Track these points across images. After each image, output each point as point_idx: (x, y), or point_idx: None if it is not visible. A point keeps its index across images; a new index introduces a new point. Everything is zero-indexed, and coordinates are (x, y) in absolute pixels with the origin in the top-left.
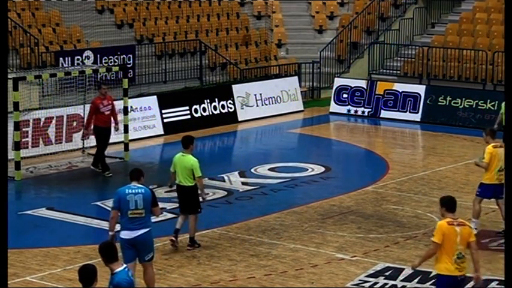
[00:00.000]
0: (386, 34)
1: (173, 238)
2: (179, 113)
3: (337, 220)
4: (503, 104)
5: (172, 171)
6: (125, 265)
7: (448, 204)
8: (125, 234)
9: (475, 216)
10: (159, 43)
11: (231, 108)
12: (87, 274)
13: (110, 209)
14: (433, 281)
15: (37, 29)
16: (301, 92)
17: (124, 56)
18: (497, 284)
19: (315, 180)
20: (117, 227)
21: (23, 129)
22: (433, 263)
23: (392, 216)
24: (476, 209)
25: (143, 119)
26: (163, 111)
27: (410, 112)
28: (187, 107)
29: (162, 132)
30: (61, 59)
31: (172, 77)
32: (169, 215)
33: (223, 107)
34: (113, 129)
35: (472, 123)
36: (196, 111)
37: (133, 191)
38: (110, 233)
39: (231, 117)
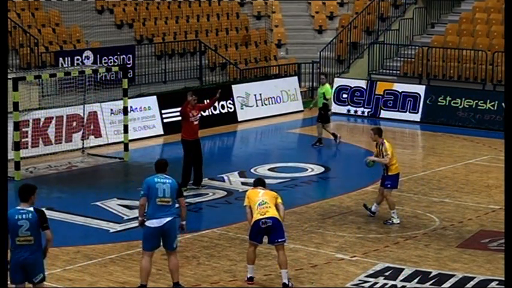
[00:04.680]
0: (386, 34)
1: None
2: (179, 113)
3: (337, 220)
4: (321, 88)
5: None
6: (29, 208)
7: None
8: (153, 223)
9: (393, 208)
10: (159, 43)
11: (230, 108)
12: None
13: (107, 208)
14: (433, 281)
15: (37, 29)
16: (301, 92)
17: (124, 56)
18: (497, 284)
19: (314, 180)
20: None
21: (23, 129)
22: (432, 263)
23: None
24: (391, 201)
25: (143, 119)
26: (163, 111)
27: (410, 112)
28: None
29: (162, 132)
30: (61, 59)
31: (172, 77)
32: None
33: (223, 107)
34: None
35: (472, 123)
36: None
37: (162, 180)
38: (140, 219)
39: (231, 117)
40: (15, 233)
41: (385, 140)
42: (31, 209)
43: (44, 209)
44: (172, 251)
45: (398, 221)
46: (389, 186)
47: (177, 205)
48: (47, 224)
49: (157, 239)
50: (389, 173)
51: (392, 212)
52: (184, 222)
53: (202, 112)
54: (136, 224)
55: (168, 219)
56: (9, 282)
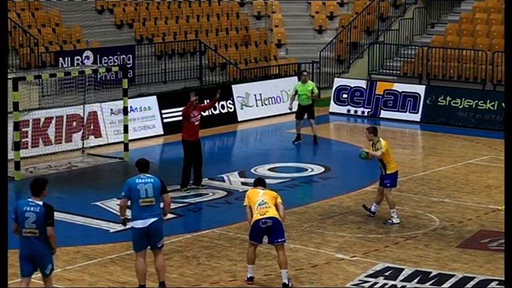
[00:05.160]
0: (386, 34)
1: None
2: (179, 113)
3: (337, 220)
4: (307, 85)
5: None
6: (39, 202)
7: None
8: (138, 224)
9: (393, 207)
10: (159, 43)
11: (230, 108)
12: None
13: (107, 208)
14: (433, 281)
15: (37, 29)
16: None
17: (124, 56)
18: (497, 284)
19: (314, 180)
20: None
21: (23, 130)
22: (432, 263)
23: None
24: (391, 200)
25: (143, 119)
26: (163, 111)
27: (410, 112)
28: None
29: (162, 132)
30: (61, 59)
31: (172, 77)
32: (170, 215)
33: (223, 107)
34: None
35: (472, 123)
36: None
37: (143, 180)
38: (122, 217)
39: (231, 117)
40: (22, 224)
41: (381, 139)
42: (40, 203)
43: None
44: (158, 250)
45: (398, 221)
46: (388, 185)
47: (162, 204)
48: (52, 221)
49: (145, 239)
50: (388, 172)
51: (392, 211)
52: (165, 218)
53: (202, 112)
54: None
55: (153, 220)
56: (10, 281)
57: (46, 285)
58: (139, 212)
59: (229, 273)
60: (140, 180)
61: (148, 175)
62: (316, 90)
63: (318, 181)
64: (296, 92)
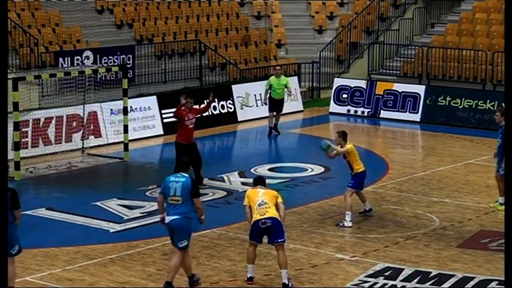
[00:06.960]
0: (386, 34)
1: None
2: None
3: (337, 220)
4: (282, 80)
5: None
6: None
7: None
8: (166, 219)
9: (349, 209)
10: (159, 43)
11: (230, 108)
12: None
13: (107, 208)
14: (433, 281)
15: (37, 29)
16: (301, 92)
17: (123, 56)
18: (497, 284)
19: (314, 181)
20: None
21: (23, 130)
22: (432, 263)
23: (392, 216)
24: (349, 201)
25: (143, 119)
26: (163, 111)
27: (410, 112)
28: None
29: (162, 133)
30: (61, 59)
31: (172, 77)
32: None
33: (222, 107)
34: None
35: (472, 123)
36: None
37: (176, 179)
38: (160, 216)
39: (231, 118)
40: None
41: (348, 144)
42: None
43: (44, 208)
44: (179, 250)
45: (350, 224)
46: (350, 185)
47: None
48: (19, 204)
49: (171, 235)
50: (354, 172)
51: (347, 213)
52: (203, 217)
53: (198, 115)
54: (136, 224)
55: (174, 217)
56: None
57: (9, 266)
58: (168, 208)
59: (229, 273)
60: (174, 179)
61: (184, 174)
62: (289, 85)
63: (317, 181)
64: (270, 86)
